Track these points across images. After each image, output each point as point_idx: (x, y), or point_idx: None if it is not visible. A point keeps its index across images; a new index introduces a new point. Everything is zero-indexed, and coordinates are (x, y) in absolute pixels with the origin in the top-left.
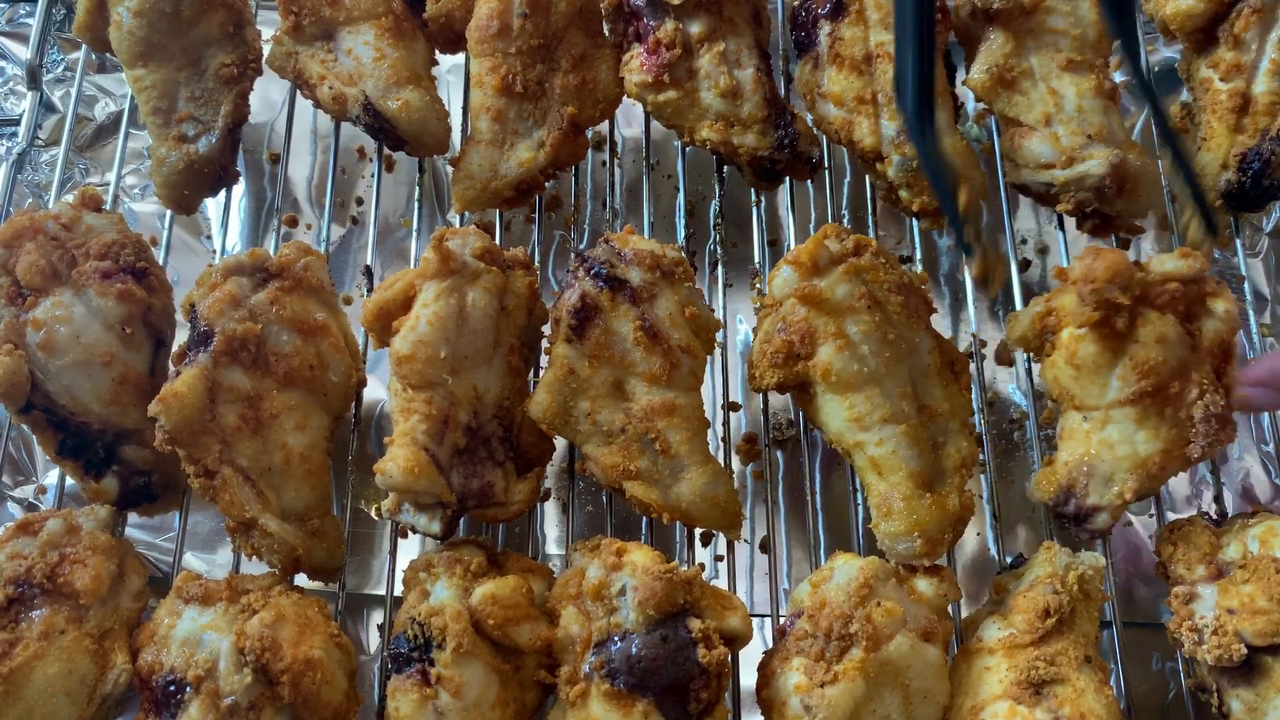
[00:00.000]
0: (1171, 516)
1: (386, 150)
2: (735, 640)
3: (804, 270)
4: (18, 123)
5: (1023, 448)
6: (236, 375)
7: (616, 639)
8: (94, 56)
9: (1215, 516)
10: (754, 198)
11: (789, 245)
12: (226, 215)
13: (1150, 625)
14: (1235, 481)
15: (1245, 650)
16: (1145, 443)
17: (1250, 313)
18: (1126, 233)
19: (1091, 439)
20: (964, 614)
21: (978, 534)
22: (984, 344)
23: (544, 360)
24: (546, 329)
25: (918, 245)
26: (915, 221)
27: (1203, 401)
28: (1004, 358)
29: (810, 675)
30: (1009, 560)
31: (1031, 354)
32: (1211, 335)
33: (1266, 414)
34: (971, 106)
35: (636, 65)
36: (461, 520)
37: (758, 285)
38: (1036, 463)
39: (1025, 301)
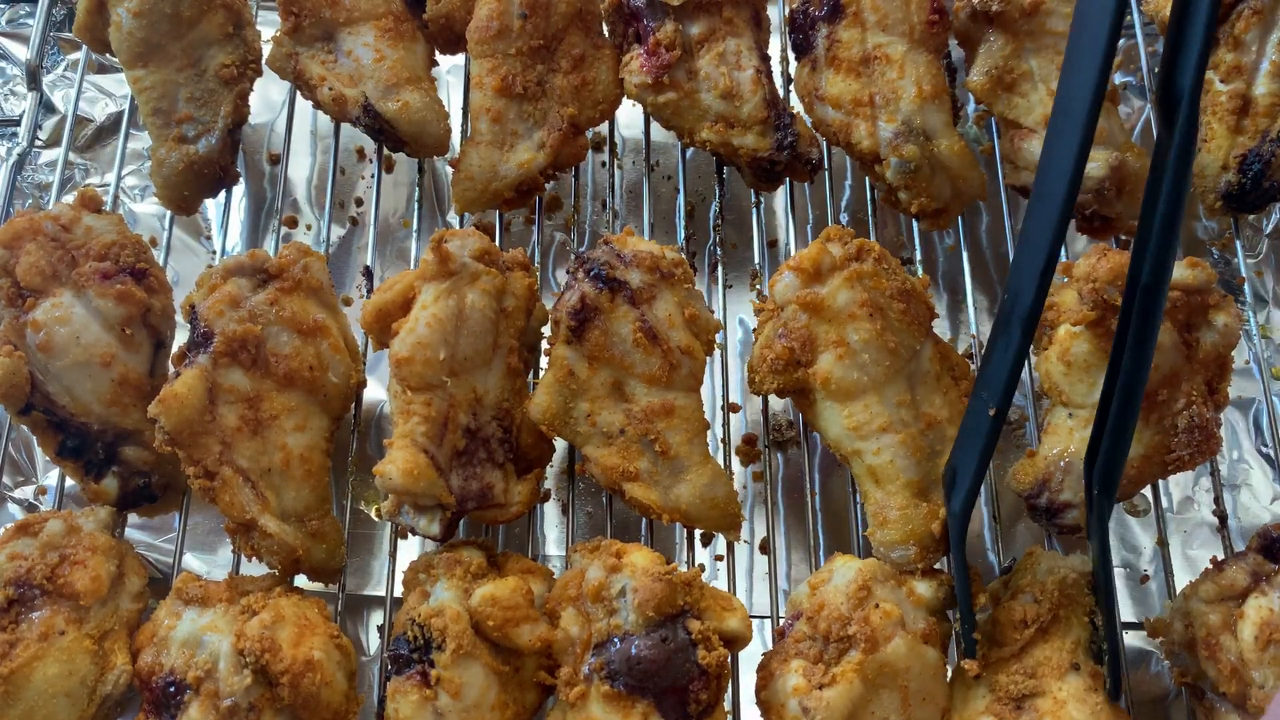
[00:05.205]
0: (1171, 518)
1: (386, 151)
2: (735, 642)
3: (805, 276)
4: (18, 123)
5: (1022, 450)
6: (236, 376)
7: (616, 640)
8: (94, 57)
9: None
10: (753, 199)
11: (788, 246)
12: (226, 216)
13: None
14: (1235, 482)
15: None
16: None
17: (1250, 314)
18: (1126, 234)
19: (1074, 436)
20: None
21: (976, 536)
22: (983, 345)
23: (544, 361)
24: (546, 330)
25: (917, 246)
26: (915, 222)
27: (1188, 412)
28: None
29: (809, 677)
30: (1006, 565)
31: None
32: (1209, 347)
33: (1265, 415)
34: (971, 108)
35: (636, 66)
36: (461, 521)
37: (757, 286)
38: None
39: None
